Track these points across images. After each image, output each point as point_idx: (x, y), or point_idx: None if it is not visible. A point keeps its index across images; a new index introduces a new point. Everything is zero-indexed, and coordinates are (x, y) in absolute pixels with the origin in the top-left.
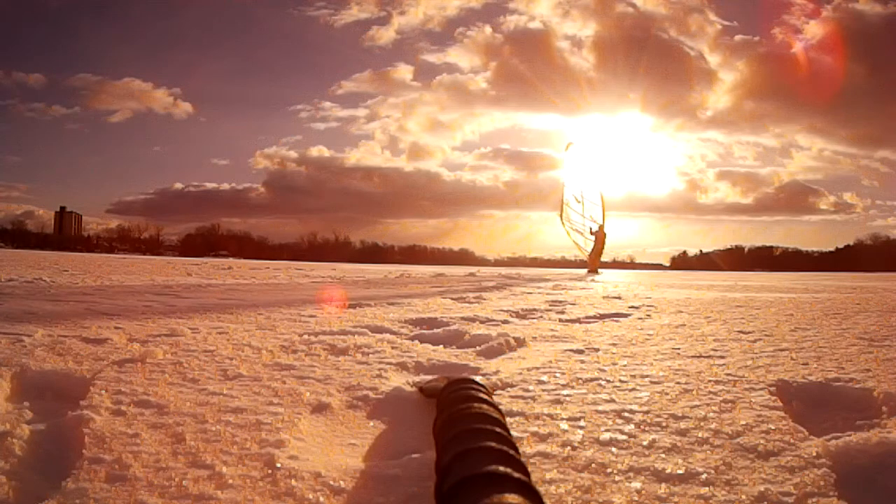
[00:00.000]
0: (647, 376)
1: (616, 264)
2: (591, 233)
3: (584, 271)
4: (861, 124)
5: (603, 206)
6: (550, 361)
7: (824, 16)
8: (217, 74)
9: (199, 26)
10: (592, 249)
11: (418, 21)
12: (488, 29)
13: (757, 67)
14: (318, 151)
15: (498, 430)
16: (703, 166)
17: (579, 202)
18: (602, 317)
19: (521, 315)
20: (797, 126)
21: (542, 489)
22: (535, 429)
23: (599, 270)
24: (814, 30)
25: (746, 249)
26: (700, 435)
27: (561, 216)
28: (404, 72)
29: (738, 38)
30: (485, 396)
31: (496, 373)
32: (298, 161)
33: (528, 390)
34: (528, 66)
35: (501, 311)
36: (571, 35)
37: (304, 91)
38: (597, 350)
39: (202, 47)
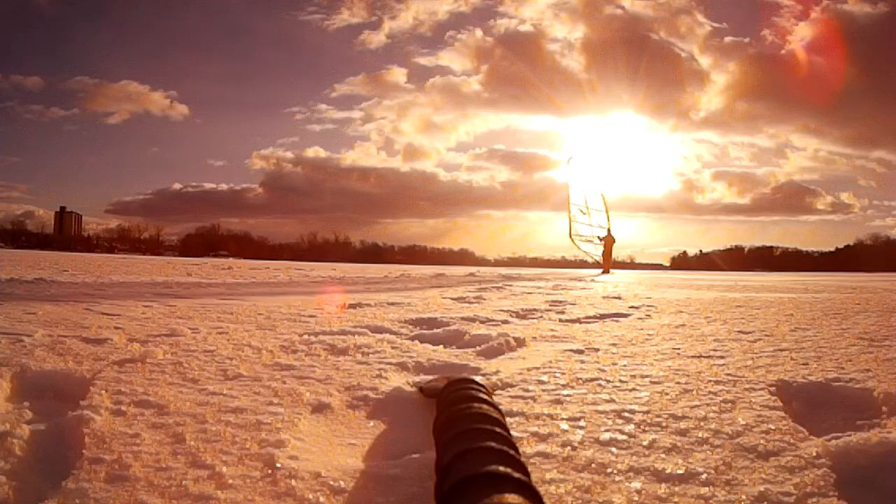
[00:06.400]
0: (647, 376)
1: (616, 264)
2: (600, 239)
3: (583, 272)
4: (855, 125)
5: (607, 211)
6: (550, 361)
7: (813, 17)
8: (212, 77)
9: (194, 30)
10: (603, 252)
11: (409, 25)
12: (479, 32)
13: (748, 68)
14: (315, 152)
15: (498, 430)
16: (699, 167)
17: (585, 213)
18: (602, 317)
19: (521, 315)
20: (791, 126)
21: (542, 489)
22: (535, 429)
23: (612, 271)
24: (803, 31)
25: (746, 249)
26: (700, 435)
27: (570, 234)
28: (398, 74)
29: (728, 39)
30: (485, 396)
31: (496, 373)
32: (295, 162)
33: (528, 390)
34: (519, 68)
35: (501, 311)
36: (561, 38)
37: (299, 93)
38: (597, 350)
39: (197, 51)
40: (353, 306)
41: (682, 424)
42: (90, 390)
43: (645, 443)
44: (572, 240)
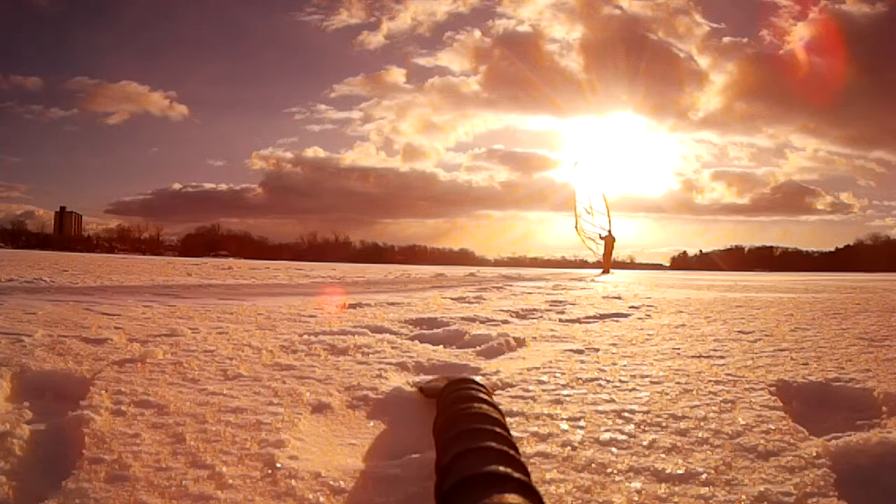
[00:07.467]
0: (647, 376)
1: (616, 264)
2: (601, 238)
3: (584, 272)
4: (854, 125)
5: (608, 213)
6: (550, 361)
7: (812, 17)
8: (211, 78)
9: (193, 31)
10: (603, 252)
11: (407, 26)
12: (477, 33)
13: (747, 69)
14: (314, 153)
15: (498, 430)
16: (699, 167)
17: (589, 213)
18: (602, 317)
19: (521, 315)
20: (790, 127)
21: (542, 489)
22: (535, 429)
23: (612, 271)
24: (802, 31)
25: (746, 249)
26: (700, 435)
27: (577, 228)
28: (397, 75)
29: (726, 39)
30: (485, 396)
31: (496, 373)
32: (294, 162)
33: (528, 390)
34: (518, 68)
35: (501, 311)
36: (560, 38)
37: (299, 94)
38: (597, 350)
39: (196, 51)
40: (353, 306)
41: (682, 424)
42: (90, 390)
43: (645, 443)
44: (578, 232)
